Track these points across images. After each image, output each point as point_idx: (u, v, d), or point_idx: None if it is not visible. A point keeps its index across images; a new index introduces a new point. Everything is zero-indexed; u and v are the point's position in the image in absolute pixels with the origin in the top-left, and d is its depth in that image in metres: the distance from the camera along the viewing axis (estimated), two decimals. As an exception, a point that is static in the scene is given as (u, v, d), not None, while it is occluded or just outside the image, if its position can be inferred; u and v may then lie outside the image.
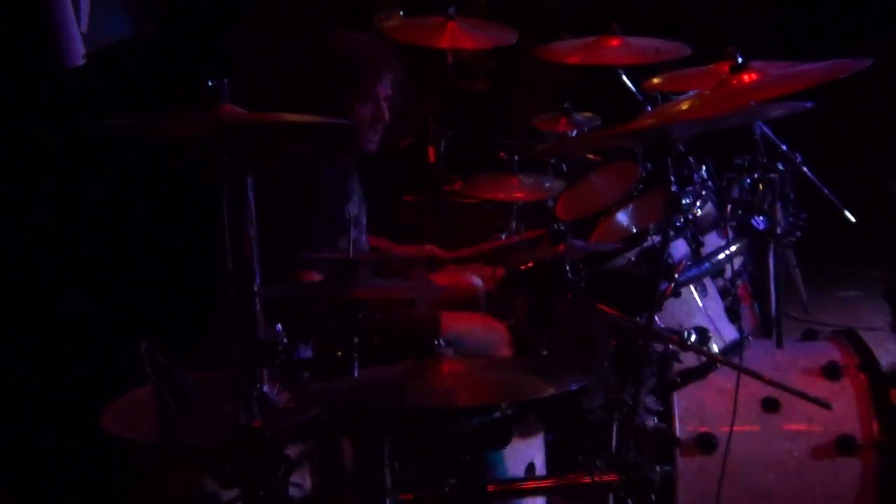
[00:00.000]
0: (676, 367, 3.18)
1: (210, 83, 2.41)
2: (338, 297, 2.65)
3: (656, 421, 3.17)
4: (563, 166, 4.16)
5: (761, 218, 3.82)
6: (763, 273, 3.97)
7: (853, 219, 4.24)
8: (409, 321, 3.56)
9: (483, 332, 3.66)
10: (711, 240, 3.55)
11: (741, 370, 3.04)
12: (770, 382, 3.06)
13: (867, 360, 3.30)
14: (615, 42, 3.93)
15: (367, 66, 3.56)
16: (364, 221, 3.69)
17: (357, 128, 3.56)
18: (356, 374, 2.60)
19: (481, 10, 6.01)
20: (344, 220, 3.28)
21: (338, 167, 3.61)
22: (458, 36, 4.17)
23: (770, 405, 3.21)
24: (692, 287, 3.40)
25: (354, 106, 3.54)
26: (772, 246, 3.92)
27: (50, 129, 3.68)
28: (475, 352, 3.52)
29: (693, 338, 3.12)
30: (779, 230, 3.82)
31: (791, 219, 3.89)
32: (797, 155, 4.03)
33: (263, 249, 2.49)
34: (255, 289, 2.46)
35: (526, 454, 2.97)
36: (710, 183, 3.63)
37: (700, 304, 3.40)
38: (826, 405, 3.04)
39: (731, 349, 3.32)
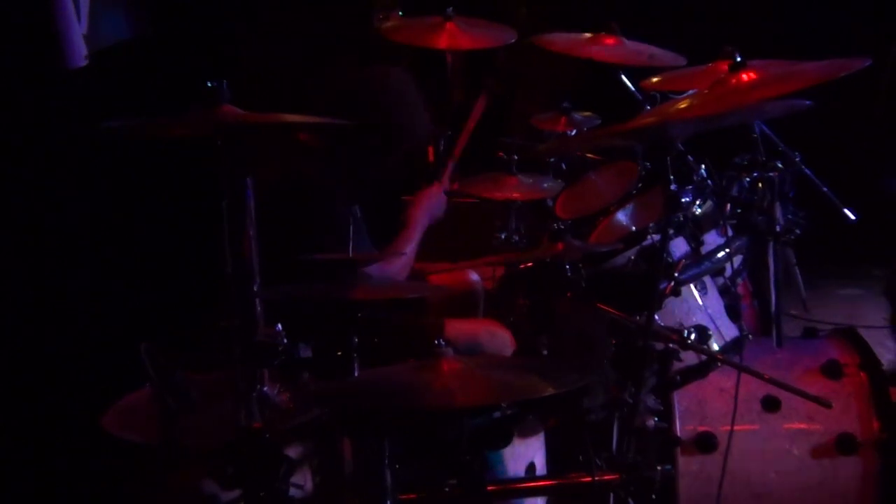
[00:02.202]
0: (676, 365, 3.19)
1: (210, 84, 2.41)
2: (338, 297, 2.65)
3: (656, 420, 3.17)
4: (563, 166, 4.17)
5: (761, 216, 3.82)
6: (763, 271, 3.97)
7: (853, 217, 4.24)
8: (413, 327, 3.55)
9: (488, 338, 3.66)
10: (711, 238, 3.55)
11: (741, 369, 3.04)
12: (770, 381, 3.06)
13: (867, 359, 3.30)
14: (611, 41, 3.94)
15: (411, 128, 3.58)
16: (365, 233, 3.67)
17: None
18: (356, 375, 2.61)
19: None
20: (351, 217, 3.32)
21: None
22: (457, 36, 4.17)
23: (770, 404, 3.21)
24: (692, 285, 3.40)
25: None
26: (771, 244, 3.92)
27: (51, 129, 3.68)
28: None
29: (693, 336, 3.12)
30: (778, 228, 3.82)
31: (790, 217, 3.89)
32: (796, 153, 4.03)
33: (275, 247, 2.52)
34: (255, 289, 2.46)
35: (526, 454, 2.97)
36: (709, 181, 3.64)
37: (700, 302, 3.40)
38: (826, 404, 3.04)
39: (731, 348, 3.32)
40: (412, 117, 3.59)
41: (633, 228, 3.50)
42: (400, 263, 3.64)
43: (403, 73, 3.69)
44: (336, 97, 3.57)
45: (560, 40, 4.14)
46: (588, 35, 4.00)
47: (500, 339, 3.66)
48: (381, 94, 3.56)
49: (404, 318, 3.55)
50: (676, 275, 3.28)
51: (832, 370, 3.27)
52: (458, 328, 3.55)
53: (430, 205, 3.81)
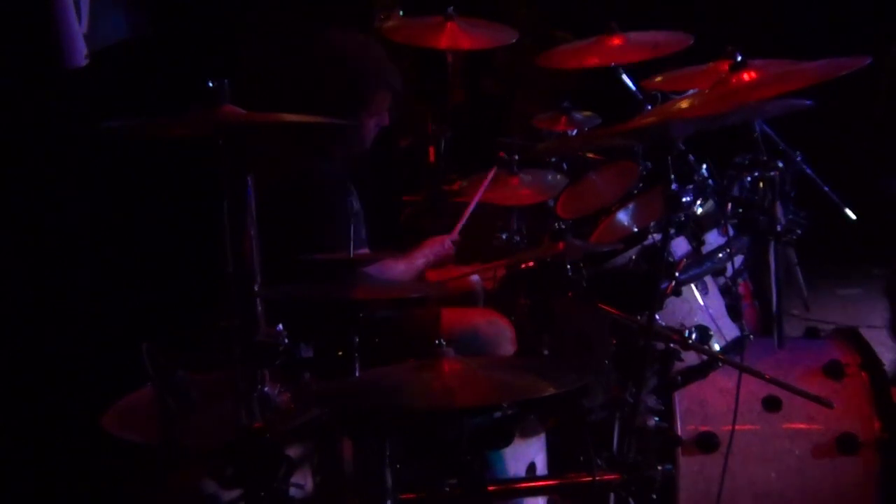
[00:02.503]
0: (677, 365, 3.18)
1: (210, 83, 2.41)
2: (338, 297, 2.65)
3: (657, 420, 3.17)
4: (564, 165, 4.17)
5: (762, 216, 3.81)
6: (764, 271, 3.97)
7: (853, 216, 4.24)
8: (409, 318, 3.55)
9: (486, 327, 3.66)
10: (712, 238, 3.55)
11: (742, 369, 3.03)
12: (771, 381, 3.06)
13: (868, 359, 3.30)
14: (615, 42, 3.92)
15: (375, 78, 3.56)
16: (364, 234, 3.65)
17: (357, 130, 3.57)
18: (357, 375, 2.61)
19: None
20: (349, 214, 3.31)
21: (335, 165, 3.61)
22: (457, 36, 4.17)
23: (771, 404, 3.21)
24: (693, 285, 3.39)
25: (363, 117, 3.54)
26: (772, 244, 3.91)
27: (51, 129, 3.68)
28: (478, 348, 3.53)
29: (694, 336, 3.12)
30: (779, 228, 3.82)
31: (791, 217, 3.88)
32: (797, 153, 4.03)
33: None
34: (256, 289, 2.46)
35: (527, 454, 2.97)
36: (710, 181, 3.63)
37: (701, 302, 3.40)
38: (827, 404, 3.03)
39: (732, 348, 3.32)
40: (368, 65, 3.57)
41: (635, 228, 3.49)
42: (399, 272, 3.61)
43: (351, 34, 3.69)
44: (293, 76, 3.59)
45: (563, 55, 4.13)
46: (590, 41, 3.99)
47: (498, 327, 3.66)
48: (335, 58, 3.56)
49: (402, 313, 3.55)
50: (677, 274, 3.28)
51: (833, 370, 3.27)
52: (455, 318, 3.55)
53: (436, 248, 3.79)
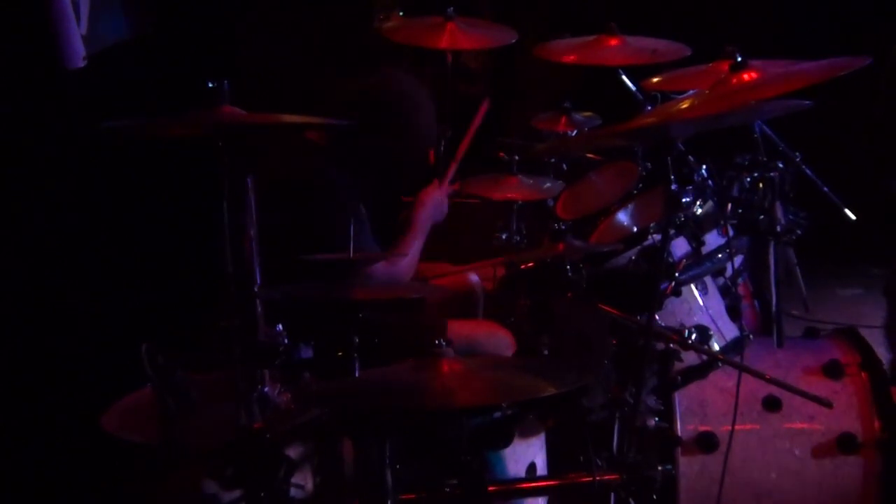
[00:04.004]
0: (677, 365, 3.18)
1: (210, 83, 2.41)
2: (338, 298, 2.65)
3: (657, 420, 3.17)
4: (564, 166, 4.17)
5: (762, 216, 3.82)
6: (764, 271, 3.97)
7: (853, 217, 4.24)
8: (415, 328, 3.54)
9: (488, 339, 3.66)
10: (712, 238, 3.55)
11: (742, 369, 3.03)
12: (771, 381, 3.06)
13: (868, 359, 3.30)
14: (614, 42, 3.93)
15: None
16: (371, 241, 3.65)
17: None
18: (357, 375, 2.60)
19: (486, 8, 5.98)
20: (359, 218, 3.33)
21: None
22: (457, 36, 4.17)
23: (771, 404, 3.21)
24: (693, 285, 3.39)
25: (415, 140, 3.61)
26: (772, 244, 3.92)
27: (50, 130, 3.68)
28: None
29: (694, 336, 3.12)
30: (779, 228, 3.82)
31: (791, 217, 3.89)
32: (797, 153, 4.03)
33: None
34: (256, 290, 2.46)
35: (527, 454, 2.97)
36: (710, 182, 3.63)
37: (701, 302, 3.40)
38: (827, 404, 3.03)
39: (732, 348, 3.32)
40: (424, 120, 3.60)
41: (635, 228, 3.50)
42: (405, 264, 3.63)
43: (415, 78, 3.70)
44: (351, 98, 3.58)
45: (561, 48, 4.13)
46: (589, 39, 4.00)
47: (499, 339, 3.66)
48: (397, 97, 3.57)
49: (405, 319, 3.54)
50: (677, 275, 3.28)
51: (833, 370, 3.27)
52: (457, 329, 3.55)
53: (432, 207, 3.80)
